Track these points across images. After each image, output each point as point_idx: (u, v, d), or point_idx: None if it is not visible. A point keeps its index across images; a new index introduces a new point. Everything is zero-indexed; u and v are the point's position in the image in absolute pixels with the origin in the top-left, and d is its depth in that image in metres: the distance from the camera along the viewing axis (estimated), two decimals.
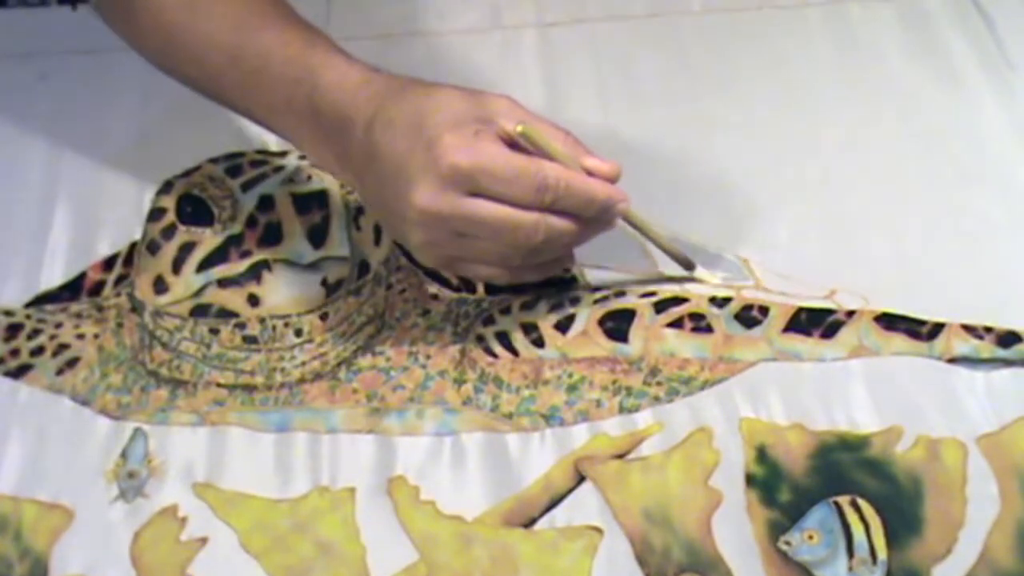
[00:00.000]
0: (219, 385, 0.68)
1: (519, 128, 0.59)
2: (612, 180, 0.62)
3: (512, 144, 0.59)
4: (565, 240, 0.62)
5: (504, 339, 0.68)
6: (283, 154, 0.74)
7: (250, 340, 0.68)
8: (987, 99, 0.80)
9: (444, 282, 0.71)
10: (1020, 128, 0.77)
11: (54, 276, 0.73)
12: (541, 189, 0.59)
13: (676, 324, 0.68)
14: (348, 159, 0.62)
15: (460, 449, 0.64)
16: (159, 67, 0.70)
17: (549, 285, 0.70)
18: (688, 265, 0.70)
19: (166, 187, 0.74)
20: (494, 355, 0.68)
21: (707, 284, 0.70)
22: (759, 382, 0.65)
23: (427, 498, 0.62)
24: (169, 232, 0.71)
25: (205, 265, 0.70)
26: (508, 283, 0.66)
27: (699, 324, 0.68)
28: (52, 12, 0.90)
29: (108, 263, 0.73)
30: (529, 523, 0.61)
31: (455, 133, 0.58)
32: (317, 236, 0.70)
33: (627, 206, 0.63)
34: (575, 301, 0.69)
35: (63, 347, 0.70)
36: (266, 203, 0.70)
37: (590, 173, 0.61)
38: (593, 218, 0.62)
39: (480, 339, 0.68)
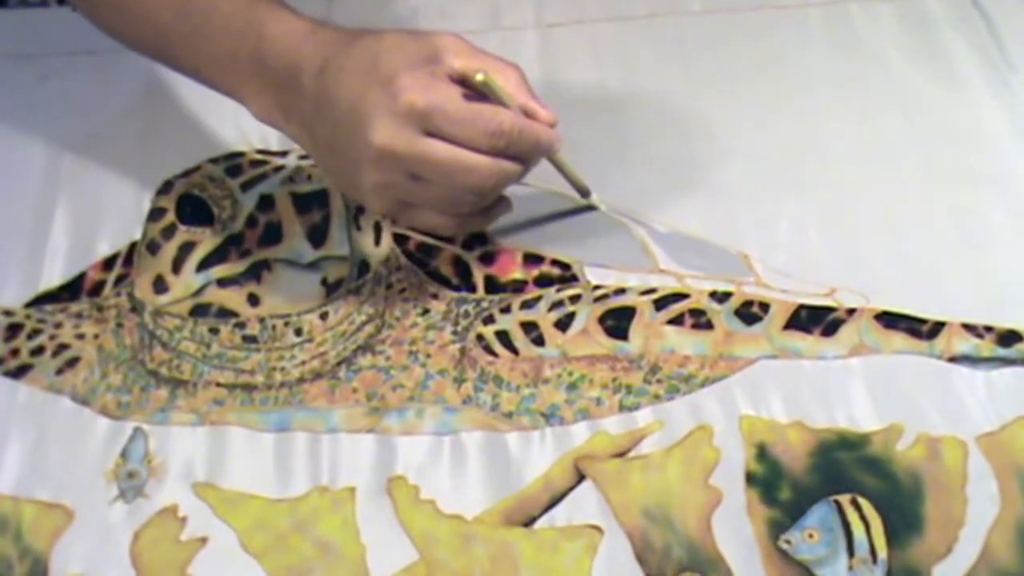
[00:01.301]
0: (219, 385, 0.68)
1: (479, 77, 0.60)
2: (551, 125, 0.63)
3: (463, 84, 0.60)
4: (509, 182, 0.63)
5: (504, 338, 0.68)
6: (283, 154, 0.75)
7: (250, 340, 0.68)
8: (987, 99, 0.79)
9: (444, 281, 0.71)
10: (1020, 128, 0.77)
11: (54, 276, 0.73)
12: (496, 134, 0.60)
13: (676, 321, 0.68)
14: (295, 109, 0.62)
15: (460, 448, 0.64)
16: (111, 32, 0.70)
17: (548, 283, 0.70)
18: (584, 192, 0.71)
19: (166, 187, 0.74)
20: (494, 354, 0.68)
21: (599, 207, 0.71)
22: (759, 380, 0.65)
23: (427, 497, 0.62)
24: (169, 232, 0.71)
25: (205, 265, 0.70)
26: (454, 233, 0.67)
27: (699, 320, 0.68)
28: (52, 12, 0.90)
29: (108, 263, 0.73)
30: (529, 522, 0.61)
31: (410, 72, 0.58)
32: (317, 236, 0.70)
33: (560, 147, 0.64)
34: (575, 299, 0.69)
35: (63, 347, 0.70)
36: (266, 203, 0.70)
37: (532, 117, 0.62)
38: (531, 160, 0.63)
39: (480, 338, 0.68)
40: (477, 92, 0.61)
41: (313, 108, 0.61)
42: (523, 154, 0.62)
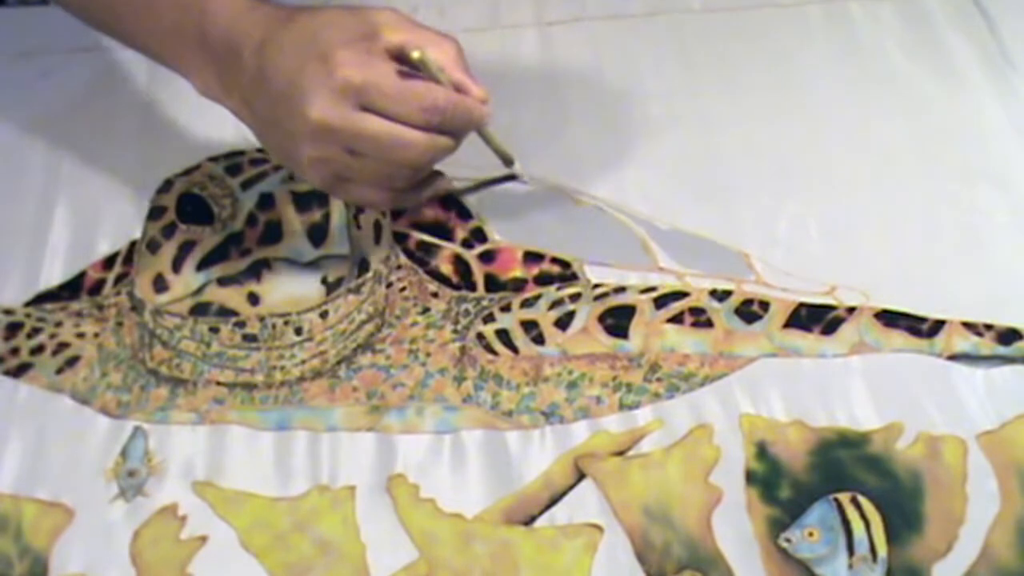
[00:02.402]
0: (219, 383, 0.68)
1: (415, 55, 0.60)
2: (483, 101, 0.63)
3: (399, 59, 0.60)
4: (442, 157, 0.63)
5: (504, 336, 0.68)
6: None
7: (250, 338, 0.68)
8: (987, 97, 0.80)
9: (444, 280, 0.71)
10: (1020, 126, 0.77)
11: (54, 275, 0.73)
12: (431, 110, 0.60)
13: (676, 319, 0.68)
14: (236, 85, 0.63)
15: (460, 447, 0.64)
16: (68, 8, 0.71)
17: (548, 282, 0.70)
18: (508, 161, 0.70)
19: (166, 186, 0.74)
20: (494, 353, 0.68)
21: (522, 178, 0.70)
22: (759, 378, 0.65)
23: (427, 496, 0.62)
24: (169, 231, 0.71)
25: (205, 263, 0.70)
26: (389, 207, 0.68)
27: (699, 319, 0.68)
28: (53, 11, 0.89)
29: (108, 262, 0.73)
30: (529, 521, 0.61)
31: (347, 48, 0.59)
32: (317, 234, 0.70)
33: (490, 121, 0.64)
34: (575, 298, 0.69)
35: (63, 346, 0.70)
36: (266, 201, 0.70)
37: (462, 91, 0.62)
38: (464, 135, 0.63)
39: (480, 337, 0.68)
40: (413, 68, 0.61)
41: (252, 83, 0.62)
42: (456, 129, 0.62)
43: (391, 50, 0.61)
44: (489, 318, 0.69)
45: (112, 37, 0.71)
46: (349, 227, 0.70)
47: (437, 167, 0.66)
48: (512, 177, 0.71)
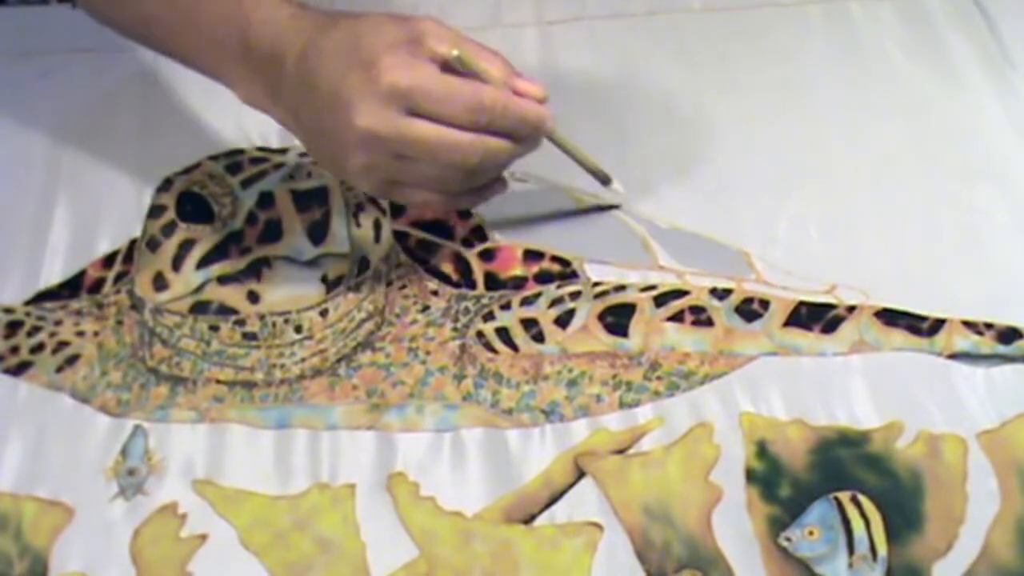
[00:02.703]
0: (219, 382, 0.68)
1: (454, 52, 0.60)
2: (541, 101, 0.63)
3: (445, 66, 0.60)
4: (500, 160, 0.63)
5: (504, 335, 0.68)
6: (283, 151, 0.75)
7: (250, 337, 0.68)
8: (987, 97, 0.80)
9: (444, 278, 0.71)
10: (1020, 125, 0.77)
11: (54, 273, 0.73)
12: (478, 110, 0.59)
13: (676, 318, 0.68)
14: (281, 94, 0.63)
15: (460, 445, 0.64)
16: (102, 19, 0.71)
17: (548, 280, 0.70)
18: (606, 180, 0.70)
19: (166, 184, 0.74)
20: (494, 351, 0.68)
21: (620, 196, 0.71)
22: (759, 377, 0.65)
23: (427, 494, 0.62)
24: (169, 229, 0.71)
25: (205, 262, 0.70)
26: (445, 210, 0.68)
27: (699, 317, 0.68)
28: (53, 10, 0.90)
29: (108, 260, 0.73)
30: (529, 519, 0.61)
31: (391, 54, 0.59)
32: (317, 233, 0.70)
33: (553, 124, 0.64)
34: (575, 296, 0.69)
35: (63, 344, 0.70)
36: (266, 200, 0.70)
37: (520, 94, 0.62)
38: (523, 137, 0.63)
39: (480, 335, 0.68)
40: (459, 72, 0.61)
41: (297, 92, 0.61)
42: (510, 130, 0.61)
43: (435, 58, 0.60)
44: (489, 316, 0.69)
45: (152, 48, 0.70)
46: (349, 225, 0.70)
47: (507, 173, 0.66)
48: (613, 206, 0.71)
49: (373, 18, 0.61)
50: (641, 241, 0.71)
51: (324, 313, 0.69)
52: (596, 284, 0.70)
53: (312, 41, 0.60)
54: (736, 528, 0.60)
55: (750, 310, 0.68)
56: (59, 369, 0.69)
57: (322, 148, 0.63)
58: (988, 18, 0.84)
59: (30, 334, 0.70)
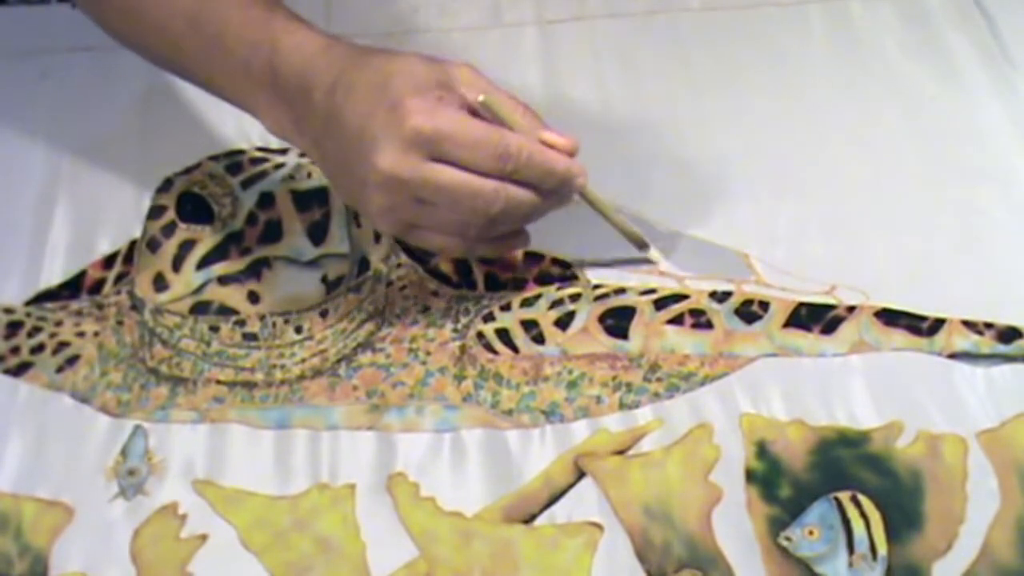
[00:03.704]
0: (219, 382, 0.68)
1: (481, 98, 0.59)
2: (570, 154, 0.62)
3: (474, 113, 0.60)
4: (523, 211, 0.62)
5: (504, 336, 0.68)
6: (284, 151, 0.74)
7: (250, 337, 0.68)
8: (987, 96, 0.80)
9: (444, 279, 0.71)
10: (1020, 125, 0.77)
11: (54, 274, 0.73)
12: (503, 158, 0.59)
13: (676, 321, 0.68)
14: (307, 125, 0.62)
15: (460, 445, 0.64)
16: (122, 40, 0.70)
17: (548, 282, 0.70)
18: (642, 245, 0.70)
19: (166, 185, 0.74)
20: (494, 352, 0.68)
21: (657, 264, 0.70)
22: (759, 378, 0.65)
23: (427, 494, 0.62)
24: (169, 230, 0.71)
25: (205, 262, 0.70)
26: (463, 256, 0.67)
27: (699, 320, 0.68)
28: (53, 10, 0.90)
29: (108, 261, 0.73)
30: (529, 519, 0.61)
31: (418, 97, 0.58)
32: (317, 233, 0.70)
33: (585, 181, 0.63)
34: (575, 298, 0.69)
35: (63, 345, 0.70)
36: (266, 200, 0.70)
37: (548, 146, 0.61)
38: (551, 191, 0.62)
39: (480, 336, 0.68)
40: (486, 120, 0.60)
41: (323, 125, 0.61)
42: (535, 180, 0.61)
43: (463, 105, 0.59)
44: (489, 317, 0.69)
45: (177, 74, 0.69)
46: (349, 226, 0.70)
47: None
48: (647, 261, 0.70)
49: (406, 58, 0.60)
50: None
51: (324, 314, 0.69)
52: (596, 286, 0.70)
53: (342, 76, 0.60)
54: (736, 528, 0.60)
55: (750, 312, 0.68)
56: (59, 369, 0.69)
57: (344, 184, 0.63)
58: (988, 17, 0.84)
59: (30, 335, 0.70)
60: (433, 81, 0.59)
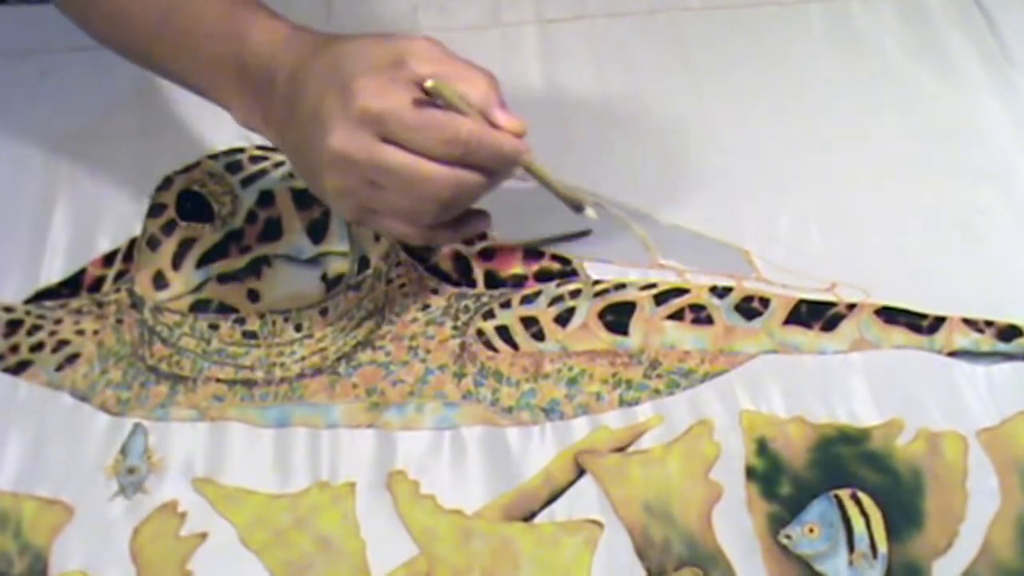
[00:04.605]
0: (219, 380, 0.68)
1: (429, 84, 0.58)
2: (519, 135, 0.60)
3: (427, 90, 0.59)
4: (474, 194, 0.61)
5: (504, 333, 0.68)
6: None
7: (250, 335, 0.68)
8: (987, 95, 0.80)
9: (444, 277, 0.71)
10: (1020, 123, 0.77)
11: (54, 272, 0.73)
12: (452, 143, 0.58)
13: (676, 316, 0.68)
14: (272, 114, 0.62)
15: (460, 443, 0.64)
16: (98, 37, 0.70)
17: (548, 279, 0.70)
18: (579, 208, 0.69)
19: (166, 183, 0.74)
20: (494, 349, 0.68)
21: (591, 222, 0.69)
22: (759, 375, 0.65)
23: (427, 492, 0.62)
24: (169, 228, 0.71)
25: (205, 261, 0.70)
26: (422, 243, 0.67)
27: (699, 316, 0.68)
28: (53, 9, 0.89)
29: (108, 259, 0.73)
30: (529, 517, 0.61)
31: (368, 77, 0.57)
32: (317, 231, 0.70)
33: (530, 157, 0.62)
34: (575, 294, 0.69)
35: (63, 343, 0.70)
36: (266, 199, 0.70)
37: (494, 125, 0.60)
38: (497, 171, 0.61)
39: (480, 333, 0.68)
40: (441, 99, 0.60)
41: (284, 112, 0.61)
42: (485, 164, 0.59)
43: (418, 80, 0.58)
44: (489, 314, 0.69)
45: (151, 69, 0.69)
46: (349, 224, 0.70)
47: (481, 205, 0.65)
48: (585, 232, 0.71)
49: (362, 40, 0.60)
50: (641, 239, 0.71)
51: (324, 312, 0.69)
52: (596, 282, 0.70)
53: (302, 63, 0.60)
54: (736, 526, 0.60)
55: (750, 308, 0.68)
56: (59, 368, 0.69)
57: (304, 169, 0.63)
58: (988, 16, 0.84)
59: (30, 333, 0.70)
60: (385, 60, 0.59)
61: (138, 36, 0.67)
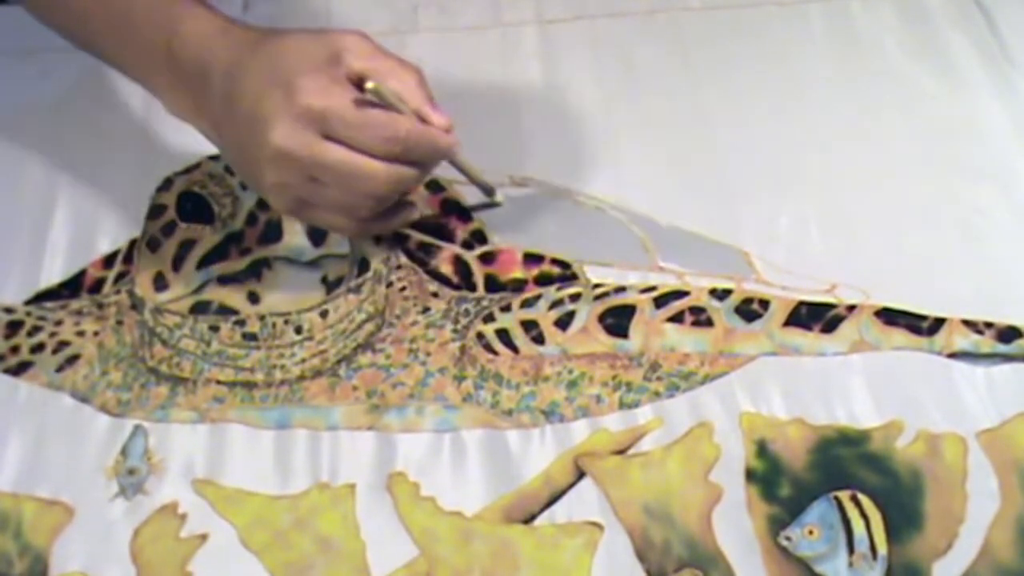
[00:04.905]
0: (219, 382, 0.68)
1: (369, 84, 0.60)
2: (448, 131, 0.63)
3: (360, 85, 0.60)
4: (408, 188, 0.64)
5: (504, 336, 0.68)
6: None
7: (250, 337, 0.68)
8: (987, 95, 0.79)
9: (444, 280, 0.71)
10: (1020, 124, 0.77)
11: (54, 273, 0.73)
12: (392, 140, 0.60)
13: (676, 319, 0.68)
14: (205, 107, 0.63)
15: (460, 445, 0.64)
16: (44, 21, 0.72)
17: (549, 283, 0.70)
18: (490, 192, 0.72)
19: (166, 184, 0.74)
20: (494, 352, 0.68)
21: (499, 204, 0.73)
22: (759, 377, 0.65)
23: (427, 494, 0.62)
24: (169, 229, 0.71)
25: (205, 262, 0.70)
26: (356, 235, 0.68)
27: (699, 318, 0.68)
28: None
29: (108, 260, 0.73)
30: (529, 519, 0.61)
31: (310, 76, 0.59)
32: (317, 234, 0.70)
33: (459, 148, 0.65)
34: (575, 298, 0.69)
35: (63, 344, 0.70)
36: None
37: (424, 121, 0.62)
38: (429, 164, 0.64)
39: (480, 336, 0.68)
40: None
41: (221, 107, 0.62)
42: (420, 159, 0.62)
43: (352, 77, 0.61)
44: (489, 318, 0.69)
45: (89, 52, 0.71)
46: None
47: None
48: (493, 204, 0.73)
49: (296, 37, 0.62)
50: (640, 242, 0.71)
51: (324, 314, 0.69)
52: (596, 286, 0.70)
53: (238, 57, 0.61)
54: (736, 527, 0.60)
55: (750, 310, 0.68)
56: (59, 369, 0.69)
57: (241, 163, 0.64)
58: (988, 16, 0.84)
59: (30, 334, 0.70)
60: (322, 57, 0.60)
61: (78, 20, 0.69)
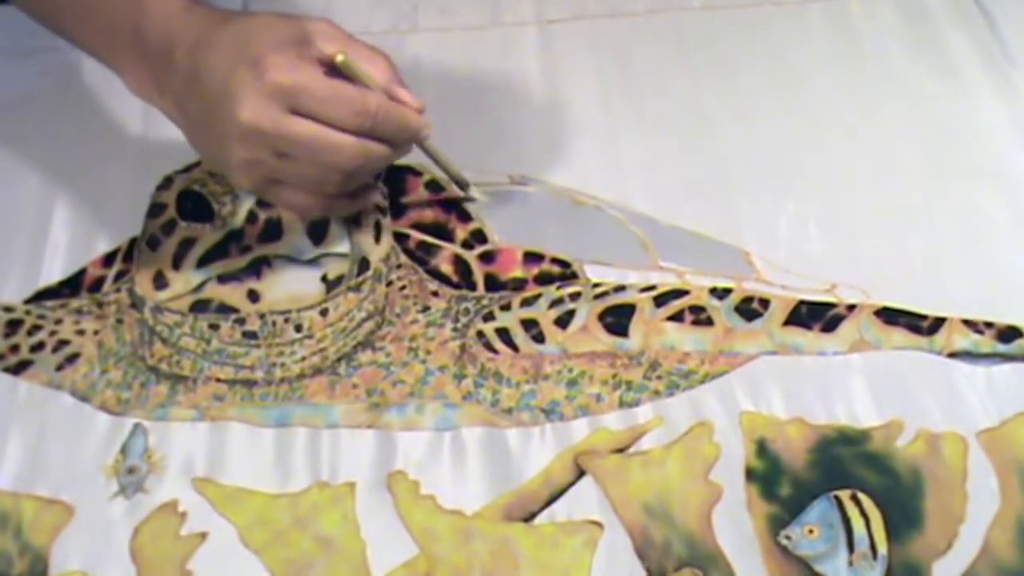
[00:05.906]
0: (219, 380, 0.68)
1: (339, 58, 0.61)
2: (419, 111, 0.64)
3: (331, 68, 0.61)
4: (377, 166, 0.64)
5: (504, 335, 0.68)
6: None
7: (250, 336, 0.68)
8: (987, 95, 0.80)
9: (444, 279, 0.71)
10: (1020, 123, 0.77)
11: (54, 272, 0.73)
12: (362, 114, 0.60)
13: (676, 318, 0.68)
14: (168, 84, 0.63)
15: (460, 444, 0.64)
16: (21, 6, 0.72)
17: (549, 282, 0.70)
18: (465, 186, 0.72)
19: (166, 183, 0.74)
20: (494, 351, 0.68)
21: (478, 199, 0.73)
22: (759, 376, 0.65)
23: (427, 493, 0.62)
24: (169, 228, 0.71)
25: (205, 261, 0.70)
26: (321, 213, 0.68)
27: (699, 317, 0.68)
28: None
29: (108, 259, 0.73)
30: (529, 517, 0.61)
31: (278, 53, 0.59)
32: (317, 232, 0.70)
33: (429, 133, 0.65)
34: (575, 297, 0.69)
35: (63, 343, 0.70)
36: None
37: (396, 100, 0.63)
38: (399, 144, 0.64)
39: (480, 335, 0.68)
40: (344, 75, 0.61)
41: (184, 84, 0.62)
42: (390, 136, 0.63)
43: (322, 59, 0.61)
44: (489, 316, 0.69)
45: (56, 33, 0.71)
46: (349, 225, 0.71)
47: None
48: (471, 199, 0.73)
49: (265, 17, 0.62)
50: (640, 241, 0.71)
51: (324, 312, 0.69)
52: (596, 285, 0.70)
53: (204, 35, 0.61)
54: (736, 527, 0.60)
55: (750, 309, 0.68)
56: (59, 367, 0.69)
57: (205, 142, 0.64)
58: (988, 16, 0.84)
59: (30, 333, 0.70)
60: (292, 37, 0.61)
61: (52, 4, 0.69)
